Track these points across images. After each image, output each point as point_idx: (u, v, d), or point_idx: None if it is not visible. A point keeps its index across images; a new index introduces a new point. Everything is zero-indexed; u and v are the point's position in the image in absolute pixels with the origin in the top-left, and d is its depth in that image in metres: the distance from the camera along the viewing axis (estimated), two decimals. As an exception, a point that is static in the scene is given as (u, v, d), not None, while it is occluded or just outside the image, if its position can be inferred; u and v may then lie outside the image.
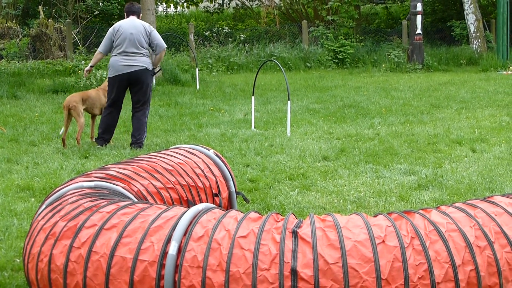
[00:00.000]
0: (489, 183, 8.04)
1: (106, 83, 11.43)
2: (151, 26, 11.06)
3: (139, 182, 5.37)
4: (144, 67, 10.77)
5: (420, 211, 4.03)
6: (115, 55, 10.79)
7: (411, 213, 4.02)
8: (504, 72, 23.06)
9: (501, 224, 3.89)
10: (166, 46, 11.13)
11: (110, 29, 10.91)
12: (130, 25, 10.82)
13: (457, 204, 4.15)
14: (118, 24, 10.92)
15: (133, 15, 10.99)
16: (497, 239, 3.82)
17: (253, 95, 13.02)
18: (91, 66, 11.26)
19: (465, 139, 10.77)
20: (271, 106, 15.35)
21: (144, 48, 10.84)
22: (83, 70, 11.48)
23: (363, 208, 7.22)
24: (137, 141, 10.70)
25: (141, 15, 11.30)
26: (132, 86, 10.86)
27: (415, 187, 8.02)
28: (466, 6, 27.12)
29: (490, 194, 7.49)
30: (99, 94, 11.26)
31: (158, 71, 11.37)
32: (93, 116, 11.28)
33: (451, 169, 8.92)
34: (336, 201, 7.54)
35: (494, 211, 4.01)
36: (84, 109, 10.95)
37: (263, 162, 9.50)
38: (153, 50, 11.11)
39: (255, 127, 12.52)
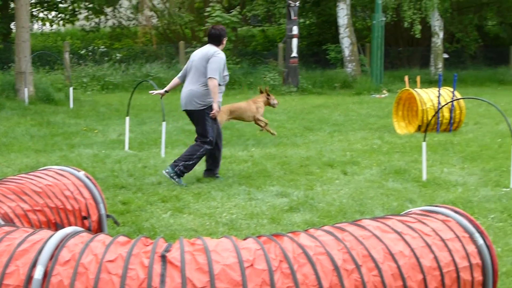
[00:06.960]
0: (360, 206, 8.20)
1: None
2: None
3: (6, 204, 5.25)
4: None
5: (289, 234, 4.05)
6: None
7: (280, 236, 4.04)
8: (377, 96, 23.67)
9: (369, 248, 3.96)
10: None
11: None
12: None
13: (325, 227, 4.20)
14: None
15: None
16: (365, 263, 3.88)
17: (127, 115, 12.89)
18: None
19: (337, 162, 10.96)
20: (146, 127, 15.26)
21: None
22: None
23: (235, 230, 7.24)
24: (171, 165, 9.75)
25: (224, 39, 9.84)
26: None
27: (286, 209, 8.10)
28: (341, 30, 27.65)
29: (360, 216, 7.64)
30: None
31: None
32: None
33: (322, 191, 9.05)
34: (208, 223, 7.55)
35: (362, 234, 4.07)
36: None
37: (136, 184, 9.42)
38: None
39: (129, 148, 12.40)
